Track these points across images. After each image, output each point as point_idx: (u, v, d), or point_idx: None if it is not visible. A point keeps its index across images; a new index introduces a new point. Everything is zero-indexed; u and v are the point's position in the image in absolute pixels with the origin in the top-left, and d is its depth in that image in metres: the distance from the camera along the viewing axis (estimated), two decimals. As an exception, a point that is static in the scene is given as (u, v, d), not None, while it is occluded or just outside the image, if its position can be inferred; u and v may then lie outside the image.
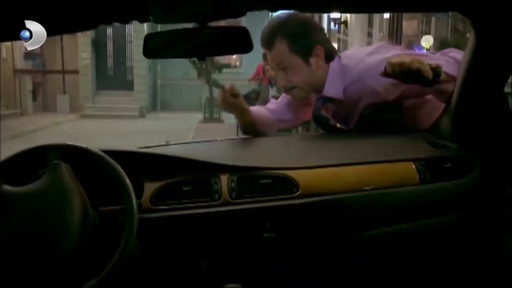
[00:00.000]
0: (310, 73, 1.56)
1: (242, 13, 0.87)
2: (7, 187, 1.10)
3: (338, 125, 1.75)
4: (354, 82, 1.54)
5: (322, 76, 1.57)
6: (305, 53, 1.55)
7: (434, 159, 1.32)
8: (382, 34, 10.65)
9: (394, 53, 1.47)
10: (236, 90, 1.58)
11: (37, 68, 12.65)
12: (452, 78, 1.35)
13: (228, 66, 12.12)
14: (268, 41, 1.55)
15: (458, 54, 1.44)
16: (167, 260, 1.27)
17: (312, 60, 1.55)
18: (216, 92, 9.10)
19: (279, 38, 1.53)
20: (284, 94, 1.72)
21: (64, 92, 12.91)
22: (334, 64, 1.58)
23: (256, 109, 1.72)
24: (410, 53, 1.59)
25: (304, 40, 1.55)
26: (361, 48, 1.93)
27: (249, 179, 1.27)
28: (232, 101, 1.57)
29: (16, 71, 11.58)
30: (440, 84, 1.35)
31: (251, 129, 1.68)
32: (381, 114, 1.55)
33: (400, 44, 8.44)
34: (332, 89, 1.57)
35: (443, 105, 1.44)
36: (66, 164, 1.13)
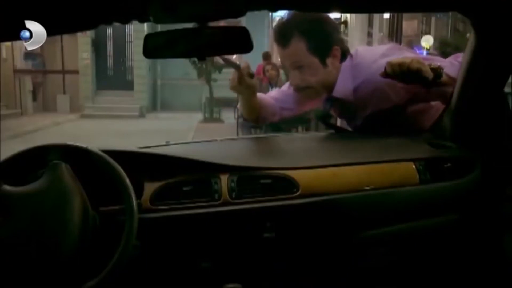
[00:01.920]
0: (325, 74, 1.51)
1: (242, 13, 0.87)
2: (7, 187, 1.10)
3: (339, 123, 1.75)
4: (365, 82, 1.50)
5: (335, 76, 1.52)
6: (324, 54, 1.49)
7: (434, 159, 1.32)
8: (382, 34, 10.65)
9: (407, 56, 1.43)
10: (251, 70, 1.50)
11: (37, 68, 12.67)
12: (454, 80, 1.34)
13: (228, 66, 12.11)
14: (284, 38, 1.48)
15: None
16: (167, 260, 1.27)
17: (329, 60, 1.50)
18: (216, 92, 9.03)
19: (297, 36, 1.46)
20: (288, 84, 1.67)
21: (64, 92, 12.93)
22: (345, 63, 1.53)
23: (260, 95, 1.67)
24: (423, 57, 1.55)
25: (324, 40, 1.49)
26: (373, 48, 1.89)
27: (249, 179, 1.27)
28: (249, 82, 1.48)
29: (16, 71, 11.60)
30: (441, 85, 1.35)
31: (253, 115, 1.64)
32: (386, 116, 1.53)
33: (400, 44, 8.43)
34: (342, 89, 1.53)
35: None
36: (66, 164, 1.13)
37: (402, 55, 1.45)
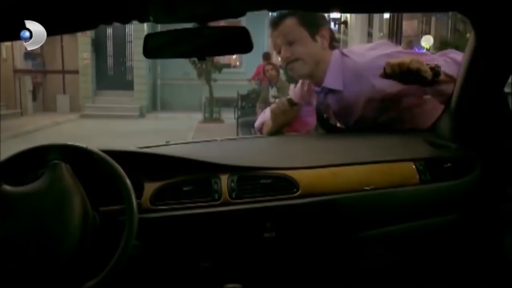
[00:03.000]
0: (314, 50, 1.59)
1: (242, 13, 0.87)
2: (7, 187, 1.09)
3: (338, 124, 1.76)
4: (353, 74, 1.56)
5: (324, 59, 1.60)
6: (313, 29, 1.59)
7: (434, 159, 1.32)
8: (382, 34, 10.65)
9: (394, 50, 1.50)
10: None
11: (37, 68, 12.65)
12: (451, 79, 1.35)
13: (228, 66, 12.13)
14: (278, 18, 1.59)
15: (457, 55, 1.44)
16: (167, 260, 1.27)
17: (318, 38, 1.59)
18: (216, 92, 9.00)
19: (290, 15, 1.58)
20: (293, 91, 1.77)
21: (64, 92, 12.91)
22: (335, 56, 1.60)
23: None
24: (410, 52, 1.61)
25: (313, 17, 1.60)
26: (362, 45, 1.98)
27: (249, 179, 1.27)
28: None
29: (16, 71, 11.58)
30: (439, 84, 1.36)
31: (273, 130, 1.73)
32: (380, 113, 1.55)
33: (400, 44, 8.44)
34: (332, 80, 1.59)
35: (442, 104, 1.44)
36: (66, 164, 1.13)
37: (389, 49, 1.52)
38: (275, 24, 1.60)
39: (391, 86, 1.49)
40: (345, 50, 1.63)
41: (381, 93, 1.52)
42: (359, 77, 1.54)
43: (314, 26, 1.59)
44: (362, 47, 1.68)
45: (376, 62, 1.42)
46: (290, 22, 1.58)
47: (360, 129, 1.62)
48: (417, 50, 8.65)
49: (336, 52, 1.61)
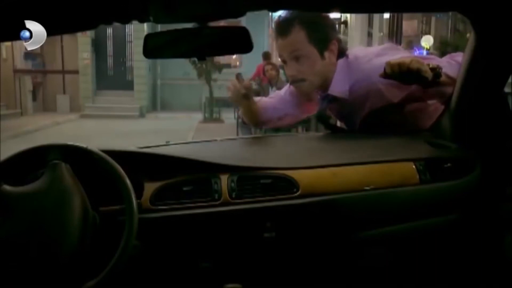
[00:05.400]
0: (322, 67, 1.53)
1: (242, 13, 0.87)
2: (7, 187, 1.09)
3: (338, 123, 1.75)
4: (359, 81, 1.51)
5: (331, 72, 1.54)
6: (322, 46, 1.52)
7: (434, 159, 1.32)
8: (382, 34, 10.64)
9: (402, 56, 1.43)
10: (248, 90, 1.62)
11: (37, 68, 12.66)
12: (452, 80, 1.35)
13: (228, 66, 12.13)
14: (285, 27, 1.50)
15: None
16: (167, 260, 1.27)
17: (327, 54, 1.53)
18: (216, 92, 9.02)
19: (298, 25, 1.49)
20: (287, 89, 1.70)
21: (64, 92, 12.93)
22: (341, 62, 1.55)
23: (261, 101, 1.74)
24: (418, 56, 1.56)
25: (323, 32, 1.52)
26: (368, 48, 1.91)
27: (249, 179, 1.27)
28: (245, 95, 1.62)
29: (16, 71, 11.59)
30: (440, 85, 1.35)
31: (254, 120, 1.72)
32: (384, 116, 1.54)
33: (400, 44, 8.43)
34: (338, 87, 1.54)
35: (443, 106, 1.44)
36: (66, 164, 1.13)
37: (396, 54, 1.46)
38: (281, 32, 1.51)
39: (396, 93, 1.48)
40: (350, 55, 1.57)
41: (387, 99, 1.49)
42: (365, 84, 1.50)
43: (323, 42, 1.52)
44: (368, 51, 1.60)
45: (382, 70, 1.36)
46: (299, 37, 1.49)
47: (363, 131, 1.61)
48: (417, 50, 8.65)
49: (342, 60, 1.55)
